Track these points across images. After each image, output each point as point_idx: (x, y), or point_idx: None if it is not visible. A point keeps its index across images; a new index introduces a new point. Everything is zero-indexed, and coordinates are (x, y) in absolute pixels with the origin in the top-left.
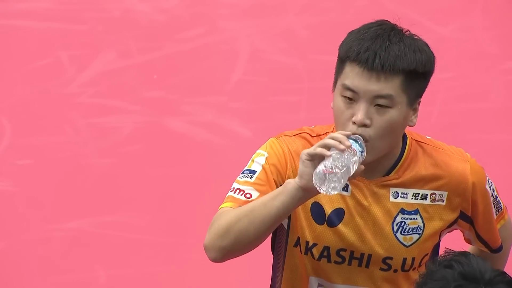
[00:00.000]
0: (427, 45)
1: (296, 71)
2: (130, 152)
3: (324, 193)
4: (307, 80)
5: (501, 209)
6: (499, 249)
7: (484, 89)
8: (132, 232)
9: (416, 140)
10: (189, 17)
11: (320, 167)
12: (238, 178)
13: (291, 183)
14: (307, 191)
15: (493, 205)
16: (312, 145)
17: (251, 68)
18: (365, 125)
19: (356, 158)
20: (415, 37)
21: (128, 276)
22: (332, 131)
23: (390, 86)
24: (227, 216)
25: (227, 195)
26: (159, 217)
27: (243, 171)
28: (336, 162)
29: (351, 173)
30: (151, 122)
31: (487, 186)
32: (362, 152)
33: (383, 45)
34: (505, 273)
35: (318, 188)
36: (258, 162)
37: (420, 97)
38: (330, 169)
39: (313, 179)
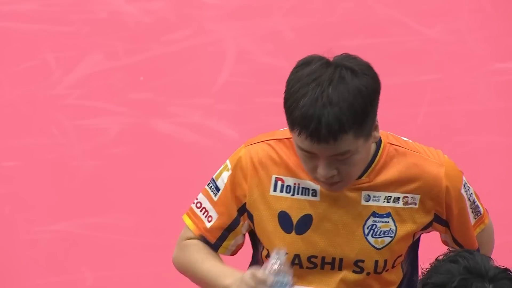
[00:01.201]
0: (365, 69)
1: (283, 73)
2: (117, 153)
3: None
4: None
5: (481, 214)
6: None
7: (471, 90)
8: (119, 234)
9: (390, 143)
10: (176, 18)
11: None
12: (206, 187)
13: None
14: None
15: (470, 210)
16: (276, 153)
17: (238, 70)
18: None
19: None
20: (353, 74)
21: (115, 278)
22: None
23: (343, 145)
24: (185, 258)
25: (192, 206)
26: (146, 219)
27: (211, 182)
28: None
29: None
30: (138, 124)
31: (462, 191)
32: (288, 283)
33: (324, 110)
34: (508, 269)
35: None
36: (223, 178)
37: (375, 118)
38: None
39: None
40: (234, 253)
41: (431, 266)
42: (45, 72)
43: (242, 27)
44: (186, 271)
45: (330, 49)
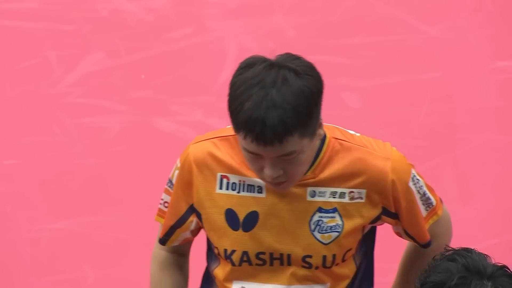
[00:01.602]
0: (309, 70)
1: None
2: (118, 152)
3: None
4: None
5: (433, 206)
6: (427, 245)
7: (473, 89)
8: (121, 232)
9: (335, 138)
10: (177, 17)
11: None
12: (166, 186)
13: None
14: None
15: (420, 202)
16: (221, 151)
17: None
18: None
19: None
20: (296, 75)
21: (116, 276)
22: None
23: (289, 146)
24: (151, 272)
25: (160, 207)
26: (148, 217)
27: (168, 181)
28: None
29: None
30: (139, 122)
31: (410, 184)
32: None
33: (268, 113)
34: (505, 266)
35: None
36: (175, 175)
37: (320, 117)
38: None
39: None
40: (181, 243)
41: (428, 266)
42: (46, 71)
43: (243, 25)
44: None
45: (274, 49)
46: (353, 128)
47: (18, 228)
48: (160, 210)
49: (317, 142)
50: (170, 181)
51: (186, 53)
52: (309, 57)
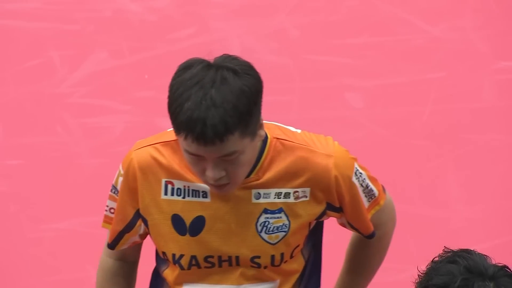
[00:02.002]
0: (247, 69)
1: (288, 71)
2: (122, 152)
3: None
4: (299, 80)
5: (375, 196)
6: (371, 235)
7: (476, 89)
8: None
9: (277, 138)
10: (180, 17)
11: None
12: (110, 193)
13: None
14: None
15: (363, 195)
16: (163, 157)
17: None
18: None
19: None
20: (235, 74)
21: None
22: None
23: (229, 145)
24: (96, 280)
25: (106, 214)
26: None
27: (112, 187)
28: None
29: None
30: (143, 122)
31: (353, 179)
32: None
33: (208, 112)
34: (506, 266)
35: None
36: (119, 183)
37: (260, 117)
38: None
39: None
40: (131, 246)
41: (428, 268)
42: (50, 71)
43: (247, 25)
44: None
45: (211, 51)
46: (356, 128)
47: (21, 228)
48: (106, 216)
49: (258, 143)
50: (114, 187)
51: (190, 53)
52: (312, 57)
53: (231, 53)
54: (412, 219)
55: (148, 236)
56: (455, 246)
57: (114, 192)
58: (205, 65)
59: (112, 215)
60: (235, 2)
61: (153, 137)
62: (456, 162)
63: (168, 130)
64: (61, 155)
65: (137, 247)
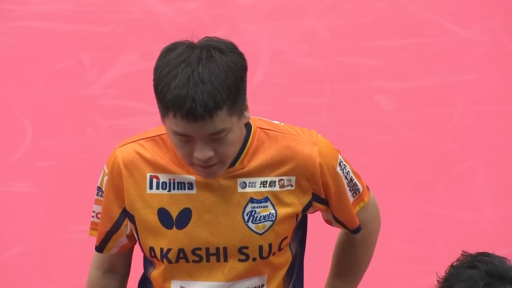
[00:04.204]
0: (231, 48)
1: (318, 73)
2: None
3: None
4: (329, 82)
5: (359, 192)
6: (357, 230)
7: (507, 91)
8: None
9: (260, 128)
10: (211, 19)
11: None
12: (96, 197)
13: None
14: None
15: (347, 188)
16: (147, 151)
17: (273, 70)
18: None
19: None
20: (221, 52)
21: None
22: None
23: (218, 122)
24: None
25: (92, 220)
26: None
27: (97, 190)
28: None
29: None
30: None
31: (338, 169)
32: None
33: (197, 88)
34: None
35: None
36: (104, 181)
37: (246, 97)
38: None
39: None
40: (120, 251)
41: (447, 274)
42: (80, 72)
43: (277, 27)
44: None
45: (194, 32)
46: (386, 131)
47: (52, 230)
48: (92, 223)
49: (243, 130)
50: (100, 188)
51: None
52: (342, 59)
53: (261, 56)
54: (441, 221)
55: (135, 246)
56: (484, 249)
57: (100, 195)
58: (189, 45)
59: (98, 220)
60: (265, 4)
61: (136, 135)
62: (486, 165)
63: (151, 129)
64: (91, 156)
65: (127, 256)
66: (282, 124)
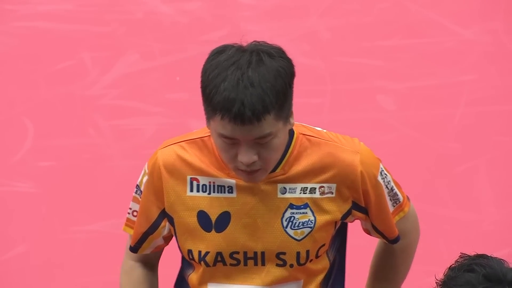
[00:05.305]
0: (281, 54)
1: (319, 73)
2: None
3: None
4: (330, 82)
5: (399, 202)
6: (396, 240)
7: (508, 91)
8: None
9: (303, 134)
10: (212, 19)
11: None
12: (134, 194)
13: None
14: None
15: (388, 197)
16: (189, 154)
17: None
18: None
19: None
20: (270, 56)
21: None
22: None
23: (265, 126)
24: (120, 284)
25: (128, 216)
26: None
27: (136, 188)
28: None
29: None
30: (174, 124)
31: (379, 178)
32: None
33: (246, 92)
34: None
35: None
36: (143, 183)
37: (292, 104)
38: None
39: None
40: (154, 251)
41: (446, 277)
42: (81, 72)
43: (278, 27)
44: None
45: (243, 36)
46: (388, 131)
47: (53, 230)
48: (128, 220)
49: (287, 136)
50: (139, 187)
51: None
52: (344, 59)
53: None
54: (442, 221)
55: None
56: (485, 249)
57: (138, 193)
58: (239, 49)
59: (135, 218)
60: (266, 4)
61: (179, 136)
62: (488, 165)
63: (194, 131)
64: (93, 157)
65: (160, 252)
66: (325, 131)
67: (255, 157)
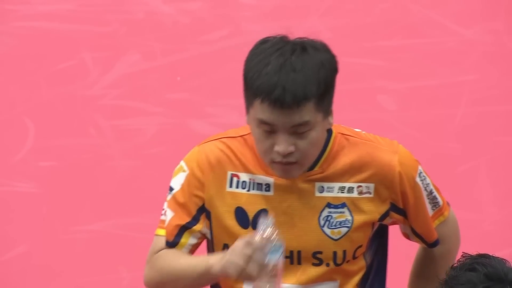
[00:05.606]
0: (326, 49)
1: None
2: (154, 154)
3: None
4: None
5: (439, 206)
6: (435, 244)
7: (509, 91)
8: None
9: (341, 133)
10: (213, 19)
11: None
12: (167, 196)
13: (215, 271)
14: (229, 276)
15: (427, 200)
16: (230, 150)
17: None
18: (289, 152)
19: (280, 268)
20: (315, 48)
21: None
22: None
23: (305, 114)
24: (160, 270)
25: (161, 218)
26: None
27: (170, 188)
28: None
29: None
30: (175, 124)
31: (417, 179)
32: (281, 252)
33: (289, 77)
34: None
35: None
36: (179, 179)
37: (332, 101)
38: None
39: None
40: (190, 252)
41: (448, 276)
42: (82, 72)
43: (279, 27)
44: (163, 278)
45: (290, 28)
46: (389, 131)
47: (54, 230)
48: (162, 221)
49: (325, 133)
50: (172, 188)
51: (222, 55)
52: (345, 59)
53: None
54: None
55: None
56: (486, 249)
57: (173, 193)
58: (283, 38)
59: (164, 218)
60: (267, 4)
61: (219, 133)
62: (489, 165)
63: (232, 129)
64: (94, 157)
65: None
66: (364, 132)
67: (291, 148)
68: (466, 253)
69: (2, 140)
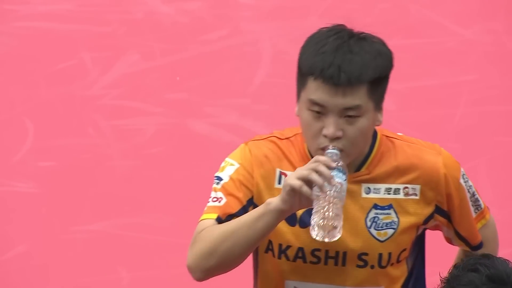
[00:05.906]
0: (383, 43)
1: None
2: (153, 154)
3: (327, 240)
4: None
5: (481, 208)
6: (479, 246)
7: (508, 91)
8: (155, 234)
9: (386, 136)
10: (212, 19)
11: (316, 222)
12: (213, 186)
13: (273, 205)
14: (289, 212)
15: (470, 202)
16: (279, 148)
17: (275, 70)
18: (337, 137)
19: (343, 191)
20: (373, 39)
21: (151, 278)
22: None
23: (357, 97)
24: (210, 236)
25: (208, 205)
26: (182, 219)
27: (215, 178)
28: (329, 213)
29: (343, 204)
30: (174, 124)
31: (461, 181)
32: (345, 179)
33: (345, 57)
34: None
35: (320, 239)
36: (227, 172)
37: (384, 97)
38: (328, 225)
39: (313, 233)
40: None
41: (450, 275)
42: (81, 72)
43: (279, 28)
44: (215, 242)
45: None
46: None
47: (53, 230)
48: (209, 207)
49: (372, 129)
50: (219, 177)
51: (221, 55)
52: None
53: (263, 56)
54: None
55: None
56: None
57: (222, 183)
58: (341, 26)
59: (218, 204)
60: (267, 4)
61: (266, 133)
62: (488, 165)
63: (277, 130)
64: (93, 157)
65: None
66: (406, 136)
67: (339, 133)
68: (469, 253)
69: (2, 140)
